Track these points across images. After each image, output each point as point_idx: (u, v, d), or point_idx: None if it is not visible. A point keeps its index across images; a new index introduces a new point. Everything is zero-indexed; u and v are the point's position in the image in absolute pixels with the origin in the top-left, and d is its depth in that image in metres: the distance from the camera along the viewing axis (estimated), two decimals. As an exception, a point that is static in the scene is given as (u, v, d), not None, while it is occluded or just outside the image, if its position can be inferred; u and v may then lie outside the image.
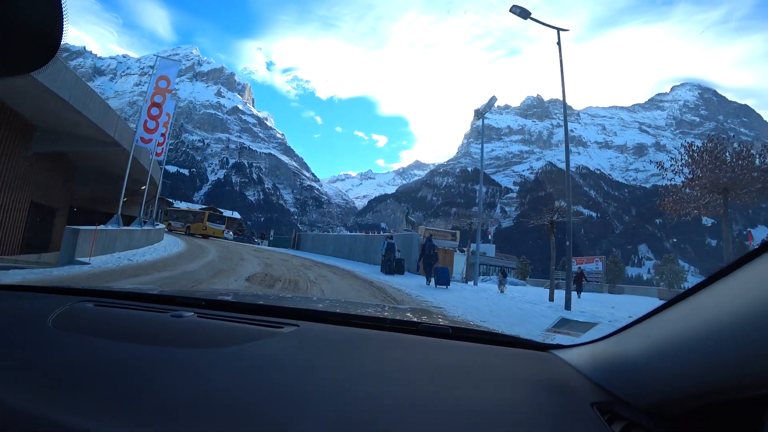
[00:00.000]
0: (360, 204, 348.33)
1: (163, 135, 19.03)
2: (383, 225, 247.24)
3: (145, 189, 21.94)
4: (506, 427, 0.65)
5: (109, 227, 12.87)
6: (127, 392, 0.67)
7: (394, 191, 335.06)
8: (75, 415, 0.59)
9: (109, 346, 0.85)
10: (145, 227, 17.86)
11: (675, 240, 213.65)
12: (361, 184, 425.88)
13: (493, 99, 21.33)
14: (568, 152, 13.77)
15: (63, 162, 18.82)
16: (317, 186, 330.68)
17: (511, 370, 0.88)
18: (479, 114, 22.37)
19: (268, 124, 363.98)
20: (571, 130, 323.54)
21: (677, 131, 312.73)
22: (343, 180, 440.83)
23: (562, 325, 1.33)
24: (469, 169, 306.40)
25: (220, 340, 0.89)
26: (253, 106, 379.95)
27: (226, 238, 39.26)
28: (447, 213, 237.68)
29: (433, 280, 13.37)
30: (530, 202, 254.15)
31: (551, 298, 14.22)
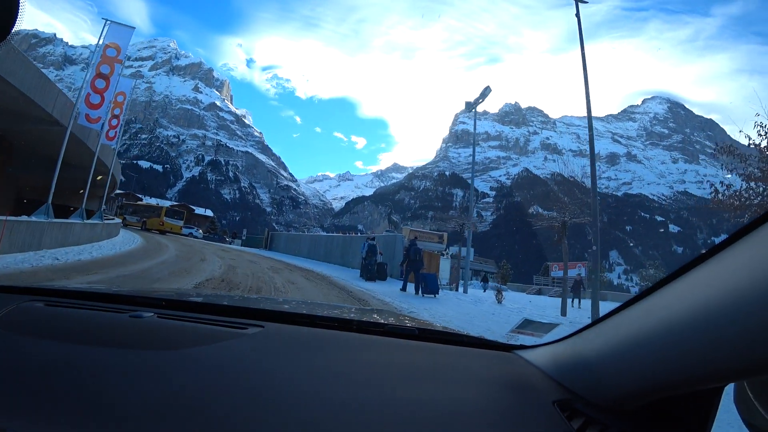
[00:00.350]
0: (338, 205, 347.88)
1: (116, 117, 16.38)
2: (360, 227, 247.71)
3: (106, 180, 21.12)
4: (472, 426, 0.66)
5: (33, 219, 10.91)
6: (78, 395, 0.64)
7: (371, 193, 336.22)
8: (23, 423, 0.57)
9: (61, 348, 0.82)
10: (91, 221, 16.51)
11: (642, 247, 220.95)
12: (339, 185, 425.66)
13: (487, 90, 19.80)
14: (593, 152, 12.92)
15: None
16: (294, 186, 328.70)
17: (477, 370, 0.90)
18: (471, 106, 20.70)
19: (246, 121, 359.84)
20: (547, 138, 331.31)
21: (647, 142, 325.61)
22: (321, 181, 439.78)
23: (526, 326, 1.33)
24: (447, 173, 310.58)
25: (182, 342, 0.87)
26: (231, 103, 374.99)
27: (194, 236, 39.29)
28: (424, 216, 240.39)
29: (415, 287, 12.42)
30: (506, 207, 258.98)
31: (563, 312, 13.36)
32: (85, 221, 15.11)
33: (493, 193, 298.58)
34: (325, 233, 66.72)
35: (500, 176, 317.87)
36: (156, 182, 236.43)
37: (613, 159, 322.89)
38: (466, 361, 0.95)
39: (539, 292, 43.09)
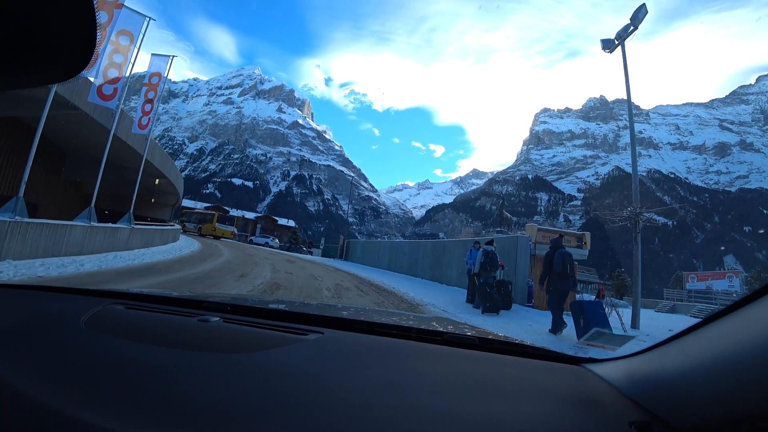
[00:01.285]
0: (418, 214, 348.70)
1: (150, 101, 16.86)
2: (441, 235, 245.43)
3: (174, 196, 27.52)
4: None
5: (54, 222, 10.32)
6: (153, 394, 0.69)
7: (452, 200, 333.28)
8: (105, 416, 0.60)
9: (138, 348, 0.88)
10: (141, 226, 16.41)
11: (766, 251, 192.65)
12: (419, 194, 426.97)
13: (642, 10, 12.99)
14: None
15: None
16: (375, 196, 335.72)
17: (541, 383, 0.86)
18: (611, 45, 13.99)
19: (327, 136, 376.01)
20: (639, 132, 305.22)
21: (766, 126, 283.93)
22: (400, 190, 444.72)
23: (597, 337, 1.13)
24: (530, 176, 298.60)
25: (246, 346, 0.91)
26: (312, 120, 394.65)
27: (269, 245, 41.29)
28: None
29: (576, 327, 6.80)
30: (596, 210, 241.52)
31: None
32: (132, 226, 15.32)
33: (581, 195, 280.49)
34: (407, 240, 59.15)
35: (588, 177, 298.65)
36: (247, 197, 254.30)
37: (722, 150, 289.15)
38: (530, 374, 0.92)
39: (673, 310, 35.90)
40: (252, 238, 47.53)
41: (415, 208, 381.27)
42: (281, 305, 1.51)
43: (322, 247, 47.54)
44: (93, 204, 12.35)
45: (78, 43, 0.55)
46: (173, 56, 16.54)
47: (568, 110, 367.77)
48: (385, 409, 0.68)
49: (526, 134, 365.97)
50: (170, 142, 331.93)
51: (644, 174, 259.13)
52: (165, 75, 15.96)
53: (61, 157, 20.82)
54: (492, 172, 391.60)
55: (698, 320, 0.68)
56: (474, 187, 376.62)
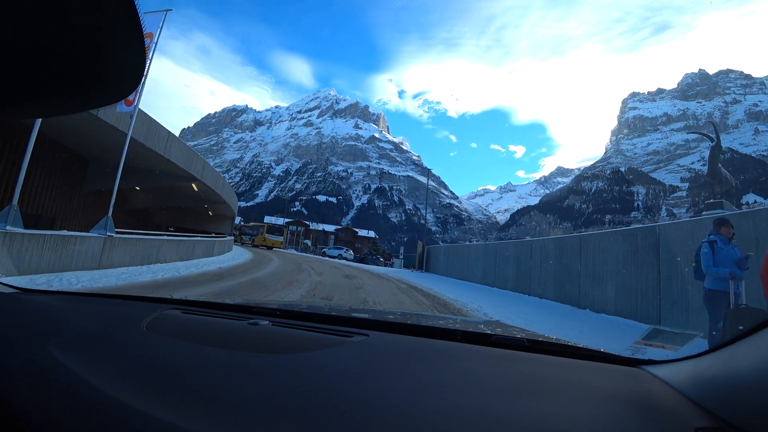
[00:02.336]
0: (502, 218, 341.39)
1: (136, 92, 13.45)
2: (528, 238, 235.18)
3: (229, 210, 34.55)
4: None
5: (60, 233, 9.08)
6: (207, 391, 0.73)
7: (537, 202, 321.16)
8: (165, 410, 0.64)
9: (194, 348, 0.94)
10: (168, 237, 15.34)
11: None
12: (501, 197, 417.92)
13: None
14: None
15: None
16: (456, 203, 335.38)
17: (596, 386, 0.83)
18: None
19: (404, 147, 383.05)
20: (755, 104, 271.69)
21: None
22: (482, 195, 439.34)
23: (654, 336, 1.23)
24: (622, 168, 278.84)
25: (294, 347, 0.95)
26: (388, 133, 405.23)
27: (343, 257, 40.96)
28: (600, 221, 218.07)
29: None
30: (708, 199, 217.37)
31: None
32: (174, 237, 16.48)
33: (686, 185, 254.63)
34: (511, 241, 46.89)
35: (692, 163, 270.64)
36: (332, 213, 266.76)
37: None
38: (582, 376, 0.89)
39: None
40: (325, 249, 47.43)
41: (498, 212, 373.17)
42: (328, 310, 1.57)
43: (401, 257, 41.45)
44: (110, 213, 11.05)
45: (127, 69, 0.57)
46: (168, 9, 12.55)
47: (660, 91, 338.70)
48: (430, 409, 0.69)
49: (613, 124, 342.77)
50: (259, 167, 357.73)
51: (766, 153, 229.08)
52: (158, 35, 12.15)
53: (83, 168, 19.83)
54: (578, 168, 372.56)
55: None
56: (560, 185, 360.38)
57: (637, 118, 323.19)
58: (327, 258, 36.28)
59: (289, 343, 0.99)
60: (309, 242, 61.29)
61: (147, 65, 0.63)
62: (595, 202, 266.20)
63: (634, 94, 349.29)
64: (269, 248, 41.24)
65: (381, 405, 0.70)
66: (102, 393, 0.69)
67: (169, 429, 0.60)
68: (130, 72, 0.58)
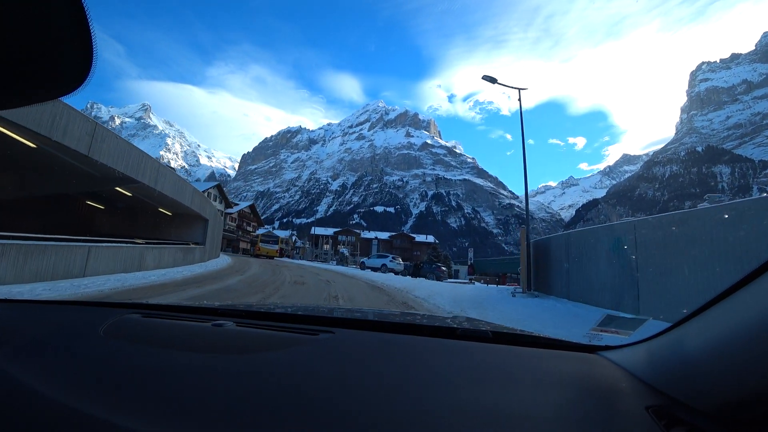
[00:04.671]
0: (566, 215, 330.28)
1: None
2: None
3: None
4: None
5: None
6: (167, 394, 0.72)
7: (603, 194, 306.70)
8: (125, 417, 0.63)
9: (156, 353, 0.93)
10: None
11: None
12: (564, 193, 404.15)
13: None
14: None
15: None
16: (517, 203, 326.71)
17: (557, 373, 0.87)
18: None
19: (458, 151, 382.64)
20: None
21: None
22: (543, 192, 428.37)
23: (609, 323, 1.29)
24: (699, 148, 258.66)
25: (259, 347, 0.95)
26: (440, 138, 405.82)
27: (387, 268, 30.25)
28: (679, 209, 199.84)
29: None
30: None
31: None
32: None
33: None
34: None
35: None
36: (391, 222, 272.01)
37: None
38: (544, 364, 0.92)
39: None
40: (364, 260, 34.22)
41: (562, 209, 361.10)
42: (293, 309, 1.58)
43: (471, 261, 35.26)
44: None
45: (77, 57, 0.55)
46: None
47: (735, 57, 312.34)
48: (396, 403, 0.71)
49: (682, 100, 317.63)
50: (316, 183, 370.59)
51: None
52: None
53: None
54: (647, 154, 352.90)
55: None
56: (628, 174, 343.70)
57: (710, 91, 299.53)
58: (360, 274, 23.44)
59: (254, 343, 1.00)
60: (346, 251, 51.40)
61: (94, 60, 0.55)
62: (670, 188, 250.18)
63: (704, 64, 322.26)
64: (270, 257, 39.62)
65: (346, 401, 0.71)
66: (54, 402, 0.68)
67: None
68: (76, 66, 0.56)
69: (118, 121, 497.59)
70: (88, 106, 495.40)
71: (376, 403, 0.71)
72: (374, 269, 30.17)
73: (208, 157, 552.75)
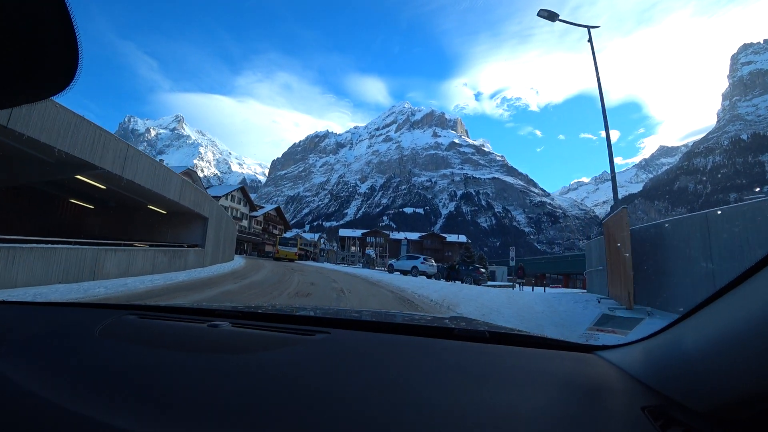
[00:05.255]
0: (601, 211, 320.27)
1: None
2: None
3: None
4: None
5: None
6: (162, 395, 0.73)
7: (640, 189, 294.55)
8: (121, 417, 0.64)
9: (152, 353, 0.94)
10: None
11: None
12: (598, 188, 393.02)
13: None
14: None
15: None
16: (549, 200, 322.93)
17: (553, 373, 0.87)
18: None
19: (486, 149, 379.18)
20: None
21: None
22: (575, 189, 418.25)
23: (605, 322, 1.26)
24: (744, 136, 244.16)
25: (254, 348, 0.96)
26: (467, 137, 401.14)
27: (419, 271, 26.58)
28: (724, 202, 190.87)
29: None
30: None
31: None
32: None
33: None
34: None
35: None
36: (420, 224, 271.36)
37: None
38: (540, 364, 0.93)
39: None
40: (392, 262, 30.65)
41: (596, 205, 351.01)
42: (289, 309, 1.58)
43: (513, 260, 28.65)
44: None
45: (62, 58, 0.55)
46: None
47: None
48: (392, 403, 0.70)
49: (724, 86, 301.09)
50: (345, 187, 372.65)
51: None
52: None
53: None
54: (686, 145, 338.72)
55: None
56: (665, 167, 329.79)
57: (754, 74, 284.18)
58: (386, 279, 19.54)
59: (250, 343, 1.00)
60: (372, 253, 49.01)
61: (79, 60, 0.55)
62: (713, 181, 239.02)
63: (746, 47, 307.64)
64: (290, 260, 38.94)
65: (342, 401, 0.71)
66: (49, 402, 0.68)
67: None
68: (62, 66, 0.55)
69: (153, 133, 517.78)
70: (126, 119, 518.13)
71: (373, 403, 0.71)
72: (404, 272, 27.09)
73: (240, 164, 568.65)
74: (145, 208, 18.61)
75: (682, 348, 0.69)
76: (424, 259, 28.04)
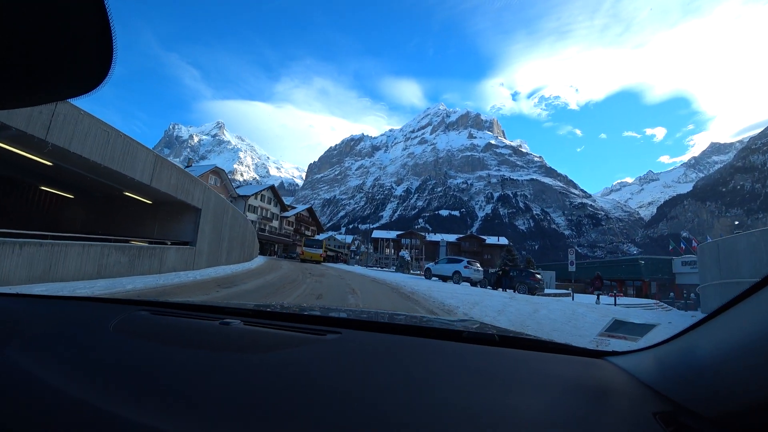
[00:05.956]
0: (646, 213, 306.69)
1: None
2: (685, 233, 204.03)
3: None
4: None
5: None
6: (178, 392, 0.74)
7: (690, 189, 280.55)
8: (133, 411, 0.65)
9: (164, 350, 0.96)
10: None
11: None
12: (642, 189, 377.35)
13: None
14: None
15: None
16: (590, 202, 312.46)
17: (563, 377, 0.87)
18: None
19: (523, 150, 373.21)
20: None
21: None
22: (618, 190, 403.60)
23: (617, 328, 1.28)
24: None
25: (265, 346, 0.97)
26: (504, 137, 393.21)
27: (462, 277, 22.42)
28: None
29: None
30: None
31: None
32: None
33: None
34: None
35: None
36: (456, 226, 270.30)
37: None
38: (550, 368, 0.93)
39: None
40: (430, 265, 26.27)
41: (640, 207, 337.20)
42: (300, 309, 1.60)
43: (572, 262, 25.14)
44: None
45: (95, 56, 0.55)
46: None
47: None
48: (402, 405, 0.71)
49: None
50: (380, 189, 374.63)
51: None
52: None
53: None
54: (741, 141, 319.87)
55: None
56: (717, 165, 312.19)
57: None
58: (423, 287, 15.80)
59: (261, 342, 1.01)
60: (406, 254, 45.74)
61: (114, 57, 0.55)
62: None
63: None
64: (317, 262, 38.03)
65: (354, 401, 0.72)
66: (65, 395, 0.70)
67: (136, 430, 0.61)
68: (96, 66, 0.56)
69: (196, 139, 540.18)
70: (171, 126, 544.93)
71: (382, 403, 0.71)
72: (443, 278, 23.29)
73: (277, 168, 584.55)
74: (123, 196, 15.09)
75: (695, 354, 0.69)
76: (468, 262, 23.21)
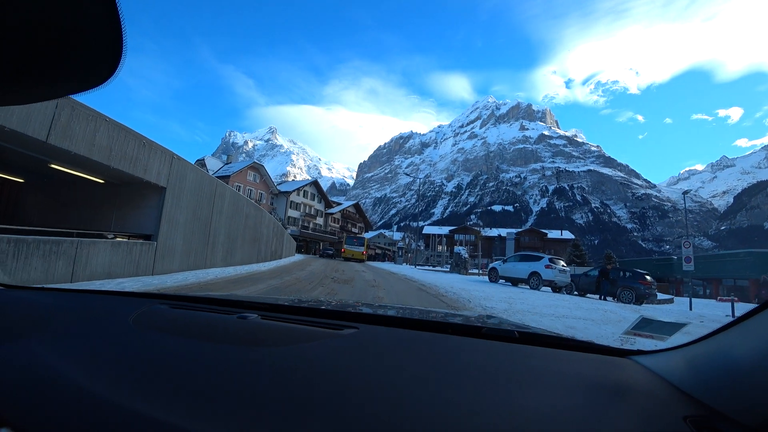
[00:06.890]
0: (720, 203, 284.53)
1: None
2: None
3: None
4: None
5: None
6: (200, 387, 0.74)
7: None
8: (152, 405, 0.66)
9: (182, 343, 0.97)
10: None
11: None
12: (715, 177, 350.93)
13: None
14: None
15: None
16: (654, 193, 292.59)
17: (583, 375, 0.85)
18: None
19: (579, 140, 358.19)
20: None
21: None
22: (687, 179, 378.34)
23: (644, 326, 1.24)
24: None
25: (282, 340, 0.98)
26: (558, 127, 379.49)
27: (544, 281, 17.45)
28: None
29: None
30: None
31: None
32: None
33: None
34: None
35: None
36: (510, 221, 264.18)
37: None
38: (572, 366, 0.91)
39: None
40: (496, 265, 21.12)
41: (714, 196, 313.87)
42: (317, 303, 1.61)
43: (688, 263, 19.47)
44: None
45: (106, 48, 0.55)
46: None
47: None
48: (419, 400, 0.71)
49: None
50: (431, 186, 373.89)
51: None
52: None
53: None
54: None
55: None
56: None
57: None
58: (489, 294, 12.42)
59: (278, 336, 1.02)
60: (463, 250, 33.28)
61: (123, 51, 0.55)
62: None
63: None
64: (359, 261, 37.30)
65: (370, 396, 0.72)
66: (87, 389, 0.70)
67: (156, 424, 0.61)
68: (105, 61, 0.56)
69: (250, 145, 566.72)
70: (227, 134, 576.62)
71: (399, 398, 0.71)
72: (514, 281, 18.93)
73: (329, 169, 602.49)
74: (71, 176, 10.84)
75: (730, 356, 0.66)
76: (549, 259, 17.95)
